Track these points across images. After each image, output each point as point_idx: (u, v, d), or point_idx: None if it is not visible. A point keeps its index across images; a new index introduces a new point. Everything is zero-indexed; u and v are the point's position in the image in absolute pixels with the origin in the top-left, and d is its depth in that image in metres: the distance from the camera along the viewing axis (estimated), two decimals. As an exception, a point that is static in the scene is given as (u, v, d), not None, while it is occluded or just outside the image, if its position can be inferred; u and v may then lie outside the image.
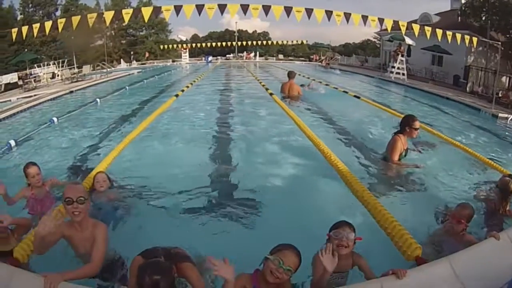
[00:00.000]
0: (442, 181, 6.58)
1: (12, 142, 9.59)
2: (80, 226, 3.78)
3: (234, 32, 73.92)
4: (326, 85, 20.16)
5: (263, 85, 18.18)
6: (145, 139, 9.35)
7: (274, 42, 66.82)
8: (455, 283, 3.22)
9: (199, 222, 5.26)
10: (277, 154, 8.27)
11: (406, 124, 6.90)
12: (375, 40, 74.18)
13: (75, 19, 15.75)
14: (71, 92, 21.85)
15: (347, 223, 3.67)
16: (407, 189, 6.24)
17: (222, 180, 6.85)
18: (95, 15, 15.84)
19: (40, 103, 17.94)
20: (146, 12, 15.03)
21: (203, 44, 61.38)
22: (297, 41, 68.42)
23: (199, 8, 14.36)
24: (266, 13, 14.58)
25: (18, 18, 60.85)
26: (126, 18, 15.63)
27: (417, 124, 6.95)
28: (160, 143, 9.38)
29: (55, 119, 12.29)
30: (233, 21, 65.10)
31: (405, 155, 7.08)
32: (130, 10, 15.81)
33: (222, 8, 14.48)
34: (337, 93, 16.94)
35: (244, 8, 14.46)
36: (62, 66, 35.66)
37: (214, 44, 61.00)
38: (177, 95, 15.47)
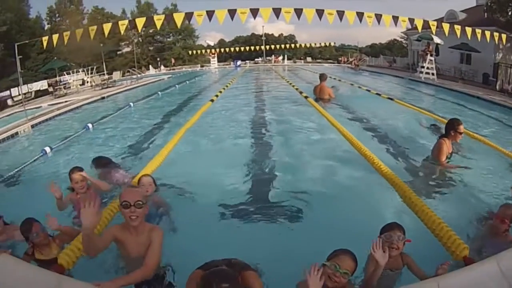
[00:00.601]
0: (484, 183, 6.56)
1: (47, 149, 9.83)
2: (136, 230, 3.72)
3: (261, 36, 74.52)
4: (358, 87, 19.87)
5: (296, 88, 18.07)
6: (186, 143, 9.38)
7: (300, 45, 66.32)
8: (502, 281, 3.26)
9: (241, 228, 5.27)
10: (318, 157, 8.20)
11: (451, 128, 7.03)
12: (402, 39, 73.69)
13: (106, 27, 15.93)
14: (103, 98, 22.22)
15: (397, 225, 3.77)
16: (451, 191, 6.28)
17: (264, 184, 6.82)
18: (126, 21, 16.15)
19: (72, 109, 18.35)
20: (178, 17, 15.15)
21: (231, 49, 61.48)
22: (325, 43, 67.74)
23: (232, 12, 14.41)
24: (299, 16, 14.52)
25: (46, 28, 62.50)
26: (158, 24, 15.53)
27: (461, 128, 7.08)
28: (201, 147, 9.47)
29: (90, 125, 12.48)
30: (259, 25, 65.74)
31: (450, 158, 7.19)
32: (162, 16, 15.94)
33: (254, 12, 14.53)
34: (370, 96, 16.71)
35: (277, 12, 14.49)
36: (91, 73, 36.49)
37: (241, 48, 61.08)
38: (212, 100, 15.47)
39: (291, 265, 3.64)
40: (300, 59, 66.53)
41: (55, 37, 16.50)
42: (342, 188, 6.57)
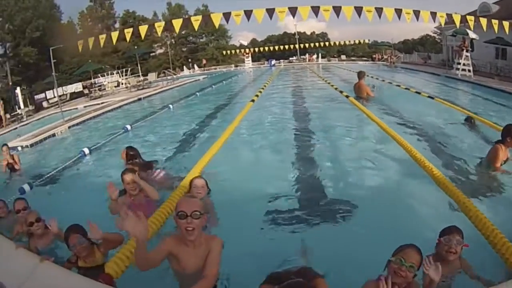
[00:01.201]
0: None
1: (86, 150, 9.99)
2: (193, 242, 3.44)
3: (293, 34, 73.65)
4: (397, 85, 19.34)
5: (336, 88, 17.71)
6: (232, 145, 9.16)
7: (333, 43, 65.38)
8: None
9: (293, 231, 5.10)
10: (364, 159, 7.86)
11: (507, 135, 6.75)
12: (435, 35, 71.83)
13: (143, 29, 16.23)
14: (140, 99, 22.48)
15: (456, 229, 3.70)
16: (505, 197, 5.99)
17: (312, 188, 6.59)
18: (162, 23, 16.50)
19: (109, 111, 18.56)
20: (216, 18, 15.39)
21: (264, 48, 61.26)
22: (358, 41, 66.45)
23: (270, 11, 14.55)
24: (337, 14, 14.57)
25: (78, 32, 63.50)
26: (196, 25, 15.69)
27: None
28: (247, 148, 9.21)
29: (128, 126, 12.60)
30: (291, 23, 65.15)
31: (505, 165, 6.88)
32: (199, 17, 16.04)
33: (293, 11, 14.66)
34: (410, 94, 16.16)
35: (315, 10, 14.56)
36: (126, 75, 36.93)
37: (274, 47, 60.76)
38: (253, 100, 15.26)
39: (349, 270, 3.79)
40: (334, 57, 65.73)
41: (91, 40, 16.87)
42: (392, 191, 6.40)
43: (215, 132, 10.96)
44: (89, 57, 51.39)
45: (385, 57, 48.32)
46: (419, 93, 15.74)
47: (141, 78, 33.90)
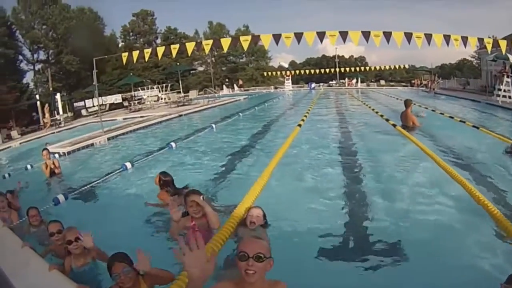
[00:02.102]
0: None
1: (128, 165, 9.69)
2: (253, 285, 3.06)
3: (331, 57, 72.79)
4: (441, 113, 18.43)
5: (381, 115, 16.92)
6: (281, 173, 8.41)
7: (372, 68, 64.27)
8: None
9: (341, 263, 4.91)
10: (415, 192, 7.43)
11: None
12: (473, 59, 70.29)
13: (190, 46, 16.41)
14: (181, 115, 22.39)
15: None
16: None
17: (362, 216, 6.35)
18: (193, 43, 16.71)
19: (150, 125, 18.49)
20: (245, 41, 15.36)
21: (305, 71, 61.01)
22: (395, 66, 65.09)
23: (298, 36, 14.53)
24: (367, 39, 14.45)
25: (120, 45, 65.36)
26: (225, 46, 15.81)
27: None
28: (296, 178, 8.67)
29: (173, 144, 12.30)
30: (329, 46, 64.87)
31: None
32: (229, 40, 16.17)
33: (320, 35, 14.58)
34: (454, 123, 15.22)
35: (343, 35, 14.45)
36: (165, 90, 37.27)
37: (315, 71, 60.25)
38: (300, 125, 14.74)
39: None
40: (372, 81, 64.90)
41: (135, 53, 17.03)
42: (444, 226, 5.91)
43: (261, 157, 10.76)
44: (130, 70, 52.80)
45: (424, 82, 47.36)
46: (463, 122, 14.96)
47: (182, 94, 33.99)
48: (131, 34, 68.85)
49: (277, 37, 14.78)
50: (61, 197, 7.51)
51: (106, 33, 61.14)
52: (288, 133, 12.95)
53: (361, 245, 5.36)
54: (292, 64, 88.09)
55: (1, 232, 5.92)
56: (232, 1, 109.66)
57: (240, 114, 20.56)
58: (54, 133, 23.94)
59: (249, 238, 3.36)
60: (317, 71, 58.88)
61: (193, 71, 58.51)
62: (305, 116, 16.86)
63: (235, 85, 55.39)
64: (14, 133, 26.12)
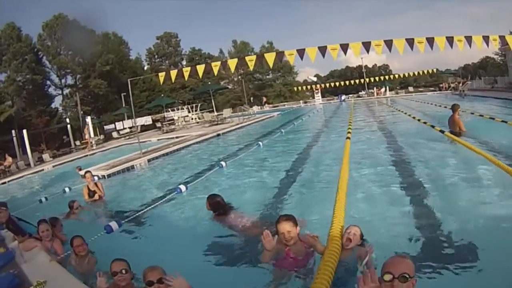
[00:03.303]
0: None
1: (183, 188, 9.34)
2: None
3: (355, 68, 71.49)
4: (480, 115, 17.21)
5: (424, 122, 16.06)
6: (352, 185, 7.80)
7: (396, 75, 62.70)
8: None
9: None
10: (482, 196, 6.93)
11: None
12: (496, 56, 67.89)
13: (215, 66, 16.31)
14: (219, 135, 21.96)
15: None
16: None
17: (430, 229, 5.86)
18: (219, 63, 16.73)
19: (189, 145, 18.26)
20: (270, 58, 15.45)
21: (332, 84, 60.18)
22: (423, 71, 63.39)
23: (322, 49, 14.54)
24: (390, 48, 14.45)
25: (145, 68, 66.78)
26: (251, 65, 15.83)
27: None
28: (367, 189, 8.15)
29: (223, 163, 11.94)
30: (351, 57, 64.08)
31: None
32: (254, 57, 16.05)
33: (344, 47, 14.56)
34: (496, 124, 14.23)
35: (366, 45, 14.53)
36: (196, 110, 37.26)
37: (339, 83, 59.50)
38: (348, 138, 13.97)
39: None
40: (399, 89, 63.56)
41: (173, 73, 17.04)
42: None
43: (318, 171, 10.36)
44: (158, 92, 53.11)
45: (452, 85, 46.18)
46: (505, 122, 13.92)
47: (216, 113, 33.75)
48: (156, 56, 69.79)
49: (301, 52, 14.79)
50: (114, 225, 6.88)
51: (131, 56, 62.38)
52: (337, 147, 12.99)
53: (437, 253, 5.04)
54: (317, 77, 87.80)
55: (52, 267, 5.21)
56: (254, 19, 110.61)
57: (282, 130, 19.98)
58: (87, 155, 23.75)
59: (396, 257, 3.26)
60: (342, 83, 57.78)
61: (224, 90, 58.20)
62: (349, 128, 16.47)
63: (266, 102, 54.89)
64: (45, 156, 26.09)
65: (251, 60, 15.71)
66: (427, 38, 14.37)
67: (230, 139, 21.26)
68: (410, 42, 14.25)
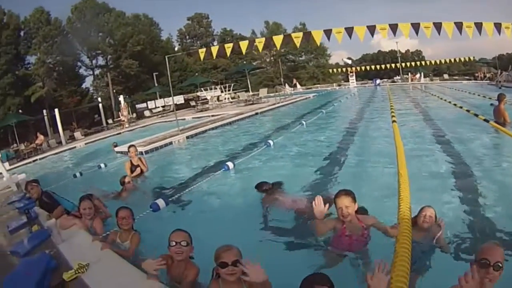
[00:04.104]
0: None
1: (230, 164, 9.03)
2: None
3: (387, 52, 69.33)
4: None
5: (467, 110, 14.98)
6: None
7: (429, 62, 60.30)
8: None
9: None
10: None
11: None
12: None
13: (243, 44, 16.53)
14: (256, 113, 21.54)
15: None
16: None
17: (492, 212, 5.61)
18: (263, 39, 16.89)
19: (227, 123, 17.90)
20: (317, 35, 15.37)
21: (365, 68, 58.52)
22: (456, 59, 60.96)
23: (349, 31, 14.55)
24: (416, 31, 14.30)
25: (176, 49, 66.18)
26: (297, 42, 15.69)
27: None
28: (423, 172, 7.78)
29: (271, 141, 11.66)
30: (383, 41, 62.22)
31: None
32: (300, 34, 16.17)
33: (371, 29, 14.51)
34: None
35: (393, 28, 14.43)
36: (228, 90, 36.96)
37: (370, 67, 57.79)
38: (394, 121, 13.25)
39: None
40: (431, 75, 61.37)
41: (214, 49, 16.88)
42: None
43: (365, 150, 10.31)
44: (189, 72, 52.80)
45: (487, 75, 44.45)
46: None
47: (251, 93, 33.32)
48: (187, 37, 69.44)
49: (328, 33, 14.81)
50: (160, 203, 6.26)
51: (163, 36, 62.05)
52: (383, 129, 12.83)
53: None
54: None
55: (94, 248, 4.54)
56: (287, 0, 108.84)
57: (323, 111, 19.41)
58: (120, 133, 23.61)
59: (492, 245, 3.24)
60: (373, 67, 56.20)
61: (254, 71, 57.63)
62: (392, 112, 15.85)
63: (297, 84, 53.92)
64: (77, 134, 26.21)
65: (297, 38, 15.63)
66: (455, 23, 14.19)
67: (268, 118, 20.85)
68: (438, 26, 14.11)
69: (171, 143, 13.71)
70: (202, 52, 17.09)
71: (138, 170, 9.40)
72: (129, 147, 9.83)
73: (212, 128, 16.53)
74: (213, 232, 5.06)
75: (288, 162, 9.98)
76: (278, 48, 19.93)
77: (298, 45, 16.19)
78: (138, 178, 9.23)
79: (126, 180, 8.15)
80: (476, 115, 13.09)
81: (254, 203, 6.38)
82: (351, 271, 4.09)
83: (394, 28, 14.31)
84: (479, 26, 14.16)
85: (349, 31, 14.43)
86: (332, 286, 2.67)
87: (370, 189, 6.61)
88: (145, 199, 7.26)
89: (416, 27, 14.15)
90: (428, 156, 9.18)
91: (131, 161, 9.57)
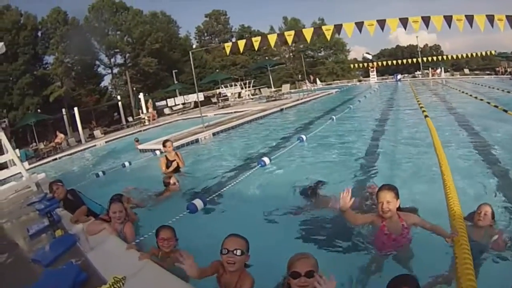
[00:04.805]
0: None
1: (266, 160, 8.72)
2: None
3: (405, 47, 68.07)
4: None
5: (495, 105, 14.81)
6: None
7: (448, 56, 59.41)
8: None
9: None
10: None
11: None
12: None
13: (256, 40, 16.52)
14: (282, 110, 21.28)
15: None
16: None
17: None
18: (275, 35, 16.91)
19: (253, 120, 17.62)
20: (327, 30, 15.60)
21: (384, 63, 57.71)
22: (477, 53, 59.72)
23: (359, 25, 14.68)
24: (427, 25, 14.29)
25: (194, 46, 65.33)
26: (308, 37, 15.93)
27: None
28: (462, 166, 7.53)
29: (303, 137, 11.45)
30: (402, 36, 61.62)
31: None
32: (311, 29, 16.51)
33: (381, 23, 14.56)
34: None
35: (404, 22, 14.43)
36: (248, 87, 36.76)
37: (388, 62, 57.13)
38: (426, 116, 13.19)
39: None
40: (451, 71, 60.27)
41: (241, 43, 16.74)
42: None
43: (399, 145, 10.07)
44: (208, 69, 52.56)
45: (508, 70, 44.15)
46: None
47: (273, 89, 32.99)
48: (205, 34, 68.83)
49: (338, 27, 15.06)
50: (198, 203, 5.71)
51: (181, 34, 61.89)
52: (416, 124, 12.81)
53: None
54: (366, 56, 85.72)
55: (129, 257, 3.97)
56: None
57: (351, 106, 19.10)
58: (140, 131, 23.24)
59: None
60: (392, 62, 55.37)
61: (273, 67, 57.35)
62: (422, 107, 16.00)
63: (317, 80, 53.31)
64: (97, 133, 25.91)
65: (308, 33, 15.74)
66: (466, 16, 14.02)
67: (294, 113, 20.52)
68: (448, 19, 14.02)
69: (197, 140, 13.36)
70: (228, 46, 17.00)
71: (174, 164, 9.04)
72: (165, 141, 9.45)
73: (238, 125, 16.16)
74: (257, 234, 4.52)
75: (324, 157, 9.73)
76: (290, 43, 20.28)
77: (309, 40, 16.62)
78: (176, 174, 8.70)
79: (171, 181, 7.49)
80: (505, 111, 12.95)
81: (296, 200, 6.10)
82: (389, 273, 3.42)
83: (404, 21, 14.32)
84: (490, 18, 13.94)
85: (359, 25, 14.56)
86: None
87: (411, 184, 6.47)
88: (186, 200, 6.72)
89: (426, 20, 14.14)
90: (463, 151, 8.91)
91: (166, 156, 9.23)
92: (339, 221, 5.23)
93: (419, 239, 4.19)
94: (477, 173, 7.18)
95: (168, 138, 13.29)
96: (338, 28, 15.57)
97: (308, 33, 15.77)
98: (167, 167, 8.99)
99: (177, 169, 8.97)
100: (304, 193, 6.19)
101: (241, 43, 16.56)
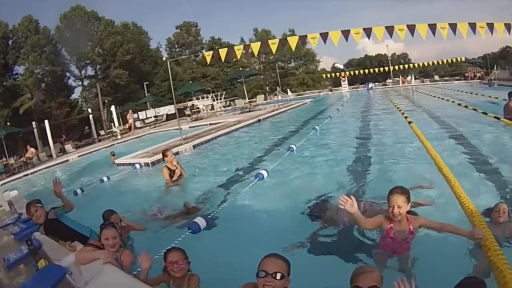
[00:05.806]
0: None
1: (264, 173, 8.34)
2: None
3: (374, 57, 69.38)
4: None
5: (473, 108, 15.19)
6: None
7: (416, 64, 61.39)
8: None
9: None
10: None
11: None
12: None
13: (222, 52, 16.51)
14: (259, 120, 20.99)
15: None
16: None
17: None
18: (241, 46, 16.83)
19: (231, 131, 17.27)
20: (292, 41, 15.79)
21: (355, 72, 58.97)
22: (445, 60, 61.69)
23: (345, 33, 14.74)
24: (412, 33, 14.56)
25: (164, 58, 64.43)
26: (273, 48, 15.94)
27: None
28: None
29: (293, 146, 11.14)
30: (369, 46, 63.14)
31: None
32: (276, 40, 16.41)
33: (367, 31, 14.74)
34: None
35: (390, 30, 14.61)
36: (220, 99, 36.36)
37: (359, 71, 58.02)
38: (410, 122, 13.33)
39: None
40: (420, 78, 61.88)
41: (208, 54, 17.23)
42: None
43: (389, 152, 9.89)
44: (179, 81, 52.03)
45: (477, 75, 46.11)
46: None
47: (247, 100, 32.57)
48: (176, 46, 68.53)
49: (324, 36, 14.95)
50: (200, 221, 5.17)
51: (152, 46, 61.47)
52: (399, 129, 12.93)
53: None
54: (335, 66, 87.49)
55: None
56: (274, 8, 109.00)
57: (331, 115, 18.95)
58: (113, 144, 22.39)
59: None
60: (362, 71, 56.36)
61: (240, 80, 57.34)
62: (402, 113, 16.17)
63: (288, 90, 53.52)
64: (68, 147, 24.86)
65: (273, 44, 15.82)
66: (449, 24, 14.53)
67: (271, 124, 20.27)
68: (433, 27, 14.41)
69: (177, 153, 12.65)
70: (208, 55, 16.85)
71: (177, 172, 8.87)
72: (165, 151, 9.24)
73: (217, 136, 15.74)
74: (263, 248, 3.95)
75: (316, 166, 9.52)
76: (256, 55, 20.34)
77: (274, 51, 16.44)
78: (177, 182, 8.84)
79: (192, 211, 6.60)
80: (485, 113, 13.24)
81: (300, 213, 5.90)
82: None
83: (390, 30, 14.46)
84: (473, 26, 14.59)
85: (346, 33, 14.60)
86: None
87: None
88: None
89: (411, 28, 14.34)
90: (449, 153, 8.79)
91: (167, 166, 8.94)
92: (346, 233, 5.09)
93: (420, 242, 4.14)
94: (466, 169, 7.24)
95: (146, 151, 12.91)
96: (303, 39, 15.98)
97: (273, 44, 15.82)
98: (171, 176, 8.78)
99: (180, 177, 8.95)
100: (311, 215, 5.88)
101: (208, 55, 16.72)
